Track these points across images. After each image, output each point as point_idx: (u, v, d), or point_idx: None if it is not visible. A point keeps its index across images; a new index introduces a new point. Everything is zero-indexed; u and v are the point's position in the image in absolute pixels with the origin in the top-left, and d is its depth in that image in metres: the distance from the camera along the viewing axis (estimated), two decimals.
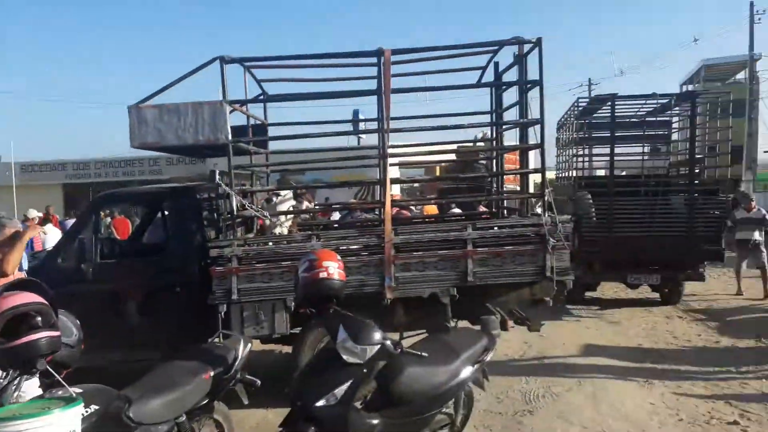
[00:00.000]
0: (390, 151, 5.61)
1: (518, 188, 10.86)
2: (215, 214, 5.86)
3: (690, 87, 37.65)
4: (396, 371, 3.45)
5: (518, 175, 10.81)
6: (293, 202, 6.88)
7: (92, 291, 5.05)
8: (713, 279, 10.74)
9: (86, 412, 2.53)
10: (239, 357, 3.57)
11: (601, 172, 11.63)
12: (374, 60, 5.62)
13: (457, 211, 8.70)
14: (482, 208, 7.85)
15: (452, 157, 8.38)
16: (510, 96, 6.60)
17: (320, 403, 3.14)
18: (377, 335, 3.28)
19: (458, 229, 5.36)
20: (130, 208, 5.94)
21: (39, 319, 2.48)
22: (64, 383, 2.57)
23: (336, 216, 9.87)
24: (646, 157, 10.02)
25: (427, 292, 5.22)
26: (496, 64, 6.63)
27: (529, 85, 5.99)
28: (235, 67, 5.83)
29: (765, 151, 32.95)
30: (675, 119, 11.01)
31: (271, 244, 5.42)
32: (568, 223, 5.38)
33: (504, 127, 6.75)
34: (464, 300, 5.27)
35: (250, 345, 3.77)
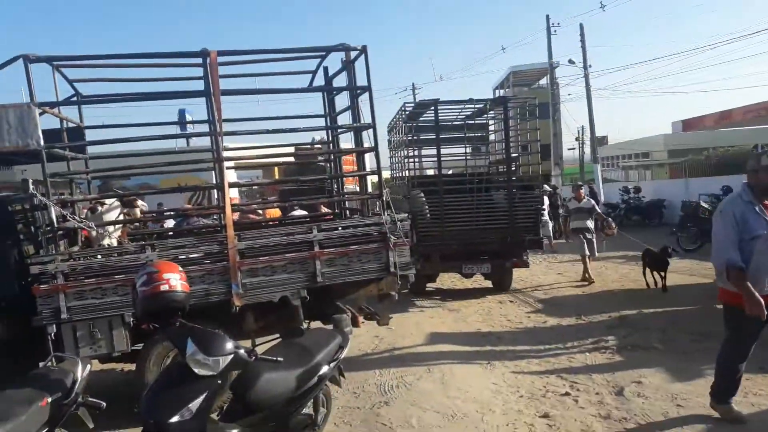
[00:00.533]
0: (226, 154, 5.48)
1: (357, 189, 11.20)
2: (31, 228, 5.27)
3: (501, 91, 41.55)
4: (251, 379, 3.37)
5: (357, 177, 11.18)
6: (120, 210, 6.42)
7: None
8: (535, 265, 11.94)
9: None
10: (78, 379, 3.27)
11: (431, 172, 12.37)
12: (200, 61, 5.46)
13: (299, 212, 8.73)
14: (324, 209, 7.96)
15: (291, 159, 8.37)
16: (342, 99, 6.82)
17: (175, 419, 2.97)
18: (229, 345, 3.19)
19: (304, 231, 5.38)
20: None
21: None
22: None
23: (170, 223, 9.39)
24: (468, 157, 10.82)
25: (278, 296, 5.17)
26: (326, 69, 6.72)
27: (358, 91, 6.20)
28: (45, 67, 5.32)
29: (569, 149, 37.37)
30: (491, 122, 12.07)
31: (100, 257, 5.01)
32: (405, 220, 5.65)
33: (339, 130, 6.90)
34: (315, 301, 5.30)
35: (89, 366, 3.48)
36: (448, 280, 10.96)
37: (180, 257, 5.01)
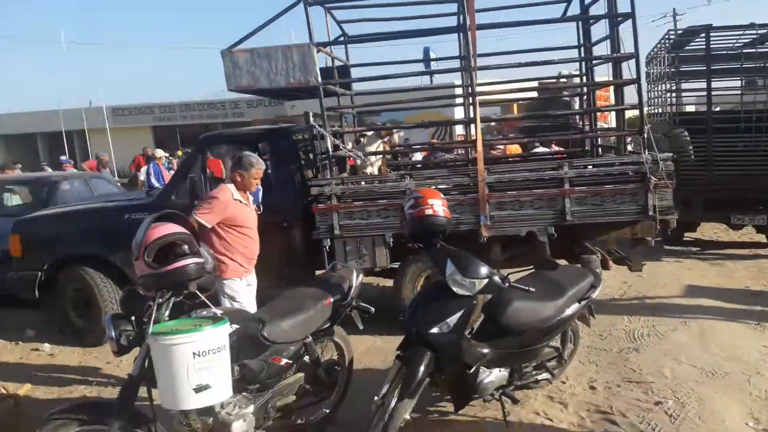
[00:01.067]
0: (478, 89, 5.55)
1: (607, 126, 10.49)
2: (310, 155, 6.03)
3: None
4: (503, 304, 3.51)
5: (608, 113, 10.43)
6: (381, 142, 6.97)
7: None
8: None
9: (230, 330, 2.75)
10: (353, 286, 3.75)
11: (691, 108, 10.94)
12: None
13: (541, 149, 8.55)
14: (556, 147, 7.65)
15: (536, 94, 8.16)
16: (597, 29, 6.37)
17: (434, 330, 3.27)
18: (484, 269, 3.34)
19: (554, 168, 5.28)
20: (231, 148, 6.25)
21: (185, 247, 2.70)
22: (209, 304, 2.82)
23: (417, 156, 9.94)
24: (744, 92, 9.30)
25: (524, 231, 5.23)
26: None
27: (619, 18, 5.71)
28: (315, 9, 5.86)
29: None
30: None
31: (365, 183, 5.56)
32: (668, 160, 5.20)
33: (594, 62, 6.48)
34: (562, 239, 5.24)
35: (361, 275, 3.95)
36: (709, 230, 9.84)
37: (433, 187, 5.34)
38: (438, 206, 3.45)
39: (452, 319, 3.30)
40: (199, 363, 2.49)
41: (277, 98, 6.97)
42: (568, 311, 3.79)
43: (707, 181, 8.01)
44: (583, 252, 5.37)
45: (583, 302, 3.92)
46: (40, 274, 5.64)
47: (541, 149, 8.67)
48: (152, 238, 2.62)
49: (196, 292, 2.74)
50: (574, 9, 6.49)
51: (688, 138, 8.13)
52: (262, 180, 4.24)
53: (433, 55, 17.36)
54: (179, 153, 19.79)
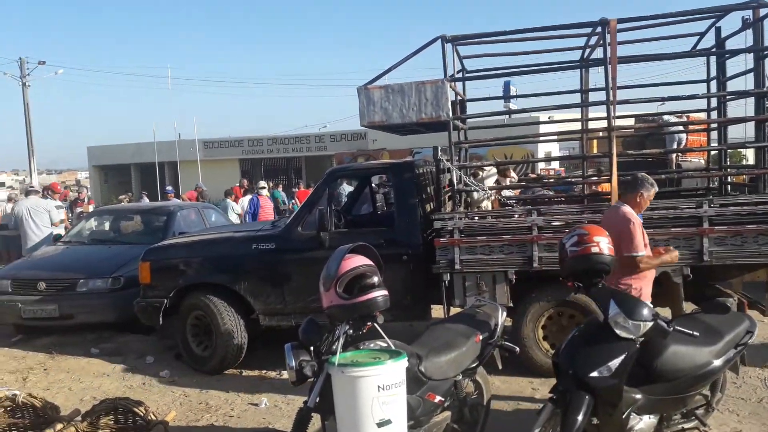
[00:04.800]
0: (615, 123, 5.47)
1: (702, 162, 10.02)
2: (429, 188, 6.09)
3: None
4: (660, 348, 3.39)
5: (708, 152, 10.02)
6: (496, 177, 6.97)
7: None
8: None
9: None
10: (499, 323, 3.72)
11: None
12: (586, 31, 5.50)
13: None
14: (603, 188, 7.35)
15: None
16: (732, 64, 6.19)
17: (594, 374, 3.18)
18: (649, 312, 3.25)
19: (693, 206, 5.09)
20: (358, 179, 6.49)
21: (375, 279, 2.78)
22: (386, 338, 2.86)
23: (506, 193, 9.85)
24: None
25: (658, 271, 5.05)
26: (718, 29, 6.16)
27: (765, 52, 5.52)
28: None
29: None
30: None
31: (490, 218, 5.54)
32: None
33: (733, 98, 6.26)
34: (694, 281, 5.03)
35: (505, 313, 3.91)
36: None
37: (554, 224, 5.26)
38: (604, 244, 3.38)
39: (614, 363, 3.20)
40: (383, 397, 2.53)
41: (399, 133, 7.09)
42: (724, 357, 3.61)
43: None
44: (716, 294, 5.12)
45: (738, 348, 3.73)
46: (166, 301, 5.89)
47: None
48: (346, 269, 2.70)
49: (377, 324, 2.79)
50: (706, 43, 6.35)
51: None
52: (386, 212, 4.30)
53: (514, 90, 17.34)
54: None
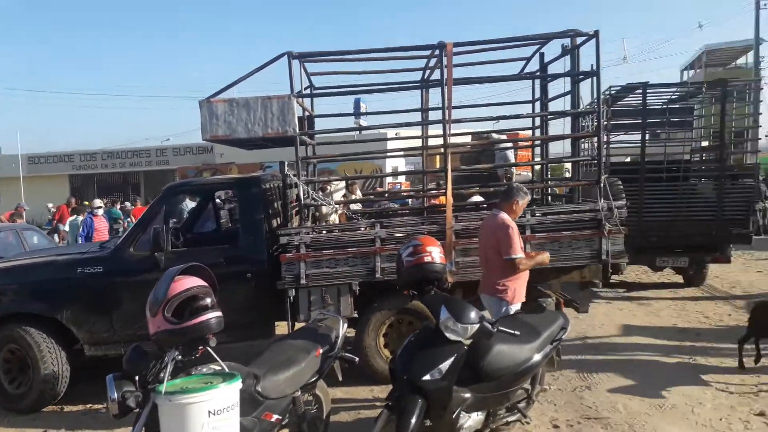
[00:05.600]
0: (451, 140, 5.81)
1: (530, 176, 11.08)
2: (276, 204, 6.04)
3: (691, 72, 38.07)
4: (486, 348, 3.65)
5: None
6: (344, 192, 7.10)
7: None
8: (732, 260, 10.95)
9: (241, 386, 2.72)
10: (340, 335, 3.78)
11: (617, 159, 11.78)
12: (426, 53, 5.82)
13: (477, 199, 8.89)
14: (478, 198, 8.03)
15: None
16: (554, 85, 6.88)
17: (426, 377, 3.36)
18: (476, 315, 3.48)
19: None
20: (199, 196, 6.25)
21: (208, 300, 2.67)
22: (219, 360, 2.77)
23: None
24: (668, 144, 10.19)
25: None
26: (542, 55, 6.82)
27: (581, 76, 6.20)
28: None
29: (766, 135, 33.32)
30: (697, 106, 11.14)
31: (336, 231, 5.62)
32: (622, 208, 5.60)
33: (555, 117, 6.95)
34: None
35: (346, 324, 3.97)
36: (632, 272, 10.51)
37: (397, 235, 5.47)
38: (436, 254, 3.59)
39: (444, 366, 3.40)
40: (213, 422, 2.47)
41: (244, 147, 6.93)
42: (542, 353, 3.98)
43: (637, 226, 8.61)
44: (538, 295, 5.61)
45: (554, 344, 4.13)
46: None
47: (478, 198, 9.03)
48: (175, 292, 2.58)
49: (210, 349, 2.70)
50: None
51: (622, 186, 8.73)
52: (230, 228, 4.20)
53: (364, 107, 17.76)
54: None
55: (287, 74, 5.53)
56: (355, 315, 5.58)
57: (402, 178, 20.46)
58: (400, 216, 7.13)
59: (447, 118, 5.65)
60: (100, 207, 11.02)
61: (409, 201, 9.64)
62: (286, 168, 5.50)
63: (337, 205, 6.35)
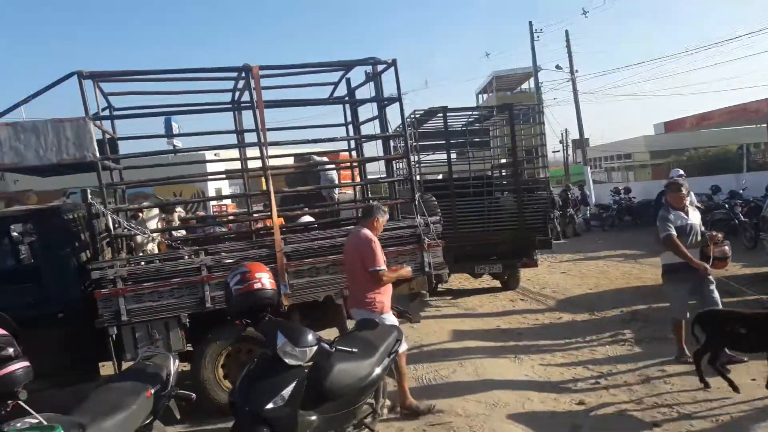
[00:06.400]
0: (268, 162, 5.75)
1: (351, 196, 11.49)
2: (82, 235, 5.51)
3: (484, 96, 42.39)
4: (327, 369, 3.64)
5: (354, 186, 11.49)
6: (159, 217, 6.68)
7: None
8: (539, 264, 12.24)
9: None
10: (171, 373, 3.52)
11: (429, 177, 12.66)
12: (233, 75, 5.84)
13: (307, 219, 8.97)
14: (307, 218, 8.22)
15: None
16: (363, 110, 7.19)
17: (269, 406, 3.25)
18: (312, 336, 3.47)
19: (344, 235, 5.66)
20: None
21: (11, 350, 2.33)
22: (34, 413, 2.43)
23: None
24: (471, 161, 11.15)
25: (322, 296, 5.45)
26: (348, 80, 7.08)
27: (386, 102, 6.55)
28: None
29: (554, 151, 38.12)
30: (491, 127, 12.42)
31: (157, 261, 5.26)
32: (437, 223, 5.99)
33: (366, 140, 7.22)
34: None
35: (177, 361, 3.72)
36: (456, 281, 11.28)
37: (225, 261, 5.27)
38: (266, 279, 3.50)
39: (286, 392, 3.32)
40: None
41: (38, 175, 6.19)
42: (382, 366, 4.06)
43: (454, 237, 9.27)
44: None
45: (392, 356, 4.25)
46: None
47: (308, 219, 9.10)
48: None
49: (22, 402, 2.35)
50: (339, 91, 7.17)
51: (436, 202, 9.36)
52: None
53: (176, 127, 17.05)
54: None
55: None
56: (189, 348, 5.28)
57: (228, 201, 19.80)
58: (226, 241, 6.90)
59: (263, 140, 5.60)
60: None
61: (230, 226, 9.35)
62: (89, 196, 5.03)
63: (153, 233, 5.91)
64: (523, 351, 6.54)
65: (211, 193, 21.44)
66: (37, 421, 2.48)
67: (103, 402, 3.10)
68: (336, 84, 7.04)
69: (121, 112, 6.46)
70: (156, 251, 6.37)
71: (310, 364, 3.55)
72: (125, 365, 4.86)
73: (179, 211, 7.11)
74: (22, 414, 2.50)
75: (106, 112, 6.37)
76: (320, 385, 3.62)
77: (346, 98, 7.09)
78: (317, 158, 9.72)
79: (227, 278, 3.58)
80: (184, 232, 8.55)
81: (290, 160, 10.58)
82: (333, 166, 9.73)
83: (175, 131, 16.89)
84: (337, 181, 10.92)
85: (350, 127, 7.30)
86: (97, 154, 5.06)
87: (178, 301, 5.07)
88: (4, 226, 6.02)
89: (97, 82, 5.90)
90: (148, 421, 3.27)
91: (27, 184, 22.72)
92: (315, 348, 3.43)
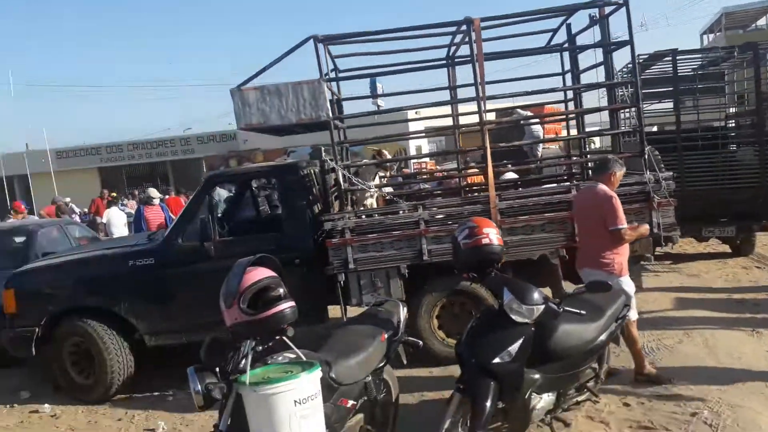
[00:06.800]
0: (487, 117, 5.71)
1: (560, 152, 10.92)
2: (315, 189, 6.02)
3: (711, 36, 37.26)
4: (552, 329, 3.59)
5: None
6: (375, 173, 7.07)
7: (217, 268, 5.24)
8: None
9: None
10: (401, 320, 3.74)
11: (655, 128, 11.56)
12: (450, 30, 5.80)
13: (511, 176, 8.78)
14: (511, 175, 7.92)
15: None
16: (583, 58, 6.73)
17: (496, 360, 3.32)
18: (539, 295, 3.43)
19: (562, 191, 5.46)
20: (239, 185, 6.32)
21: (281, 291, 2.66)
22: (295, 349, 2.77)
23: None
24: (701, 111, 9.94)
25: (537, 254, 5.36)
26: (569, 26, 6.66)
27: (613, 47, 6.05)
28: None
29: None
30: (727, 71, 10.83)
31: (378, 215, 5.59)
32: (670, 179, 5.47)
33: (588, 89, 6.80)
34: (571, 261, 5.40)
35: (406, 308, 3.94)
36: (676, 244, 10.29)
37: (437, 216, 5.42)
38: (493, 235, 3.52)
39: (513, 348, 3.35)
40: (300, 411, 2.46)
41: (276, 134, 6.89)
42: (608, 332, 3.91)
43: (681, 196, 8.41)
44: None
45: (619, 321, 4.06)
46: (37, 330, 5.34)
47: (512, 175, 8.92)
48: (248, 283, 2.57)
49: (286, 338, 2.69)
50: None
51: (660, 156, 8.55)
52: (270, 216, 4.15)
53: (380, 88, 17.60)
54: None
55: (308, 59, 5.45)
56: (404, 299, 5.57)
57: (426, 159, 20.31)
58: (435, 197, 7.06)
59: (481, 94, 5.53)
60: (155, 198, 10.58)
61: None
62: (323, 153, 5.46)
63: (376, 189, 6.28)
64: (762, 324, 5.81)
65: (412, 151, 22.11)
66: (294, 356, 2.82)
67: (343, 342, 3.40)
68: (555, 30, 6.68)
69: (346, 74, 6.81)
70: (375, 205, 6.78)
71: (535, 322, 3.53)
72: (350, 310, 5.32)
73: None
74: (282, 349, 2.86)
75: (333, 75, 6.79)
76: (544, 344, 3.59)
77: (567, 45, 6.68)
78: (522, 112, 9.46)
79: (455, 232, 3.67)
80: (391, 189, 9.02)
81: (492, 116, 10.45)
82: (537, 120, 9.41)
83: (379, 91, 17.47)
84: (542, 136, 10.60)
85: (568, 77, 6.91)
86: (330, 114, 5.45)
87: (398, 252, 5.33)
88: (249, 181, 6.86)
89: (326, 45, 6.32)
90: (381, 364, 3.52)
91: (254, 144, 25.75)
92: (542, 307, 3.40)
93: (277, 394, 2.44)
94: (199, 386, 2.58)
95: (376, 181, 7.23)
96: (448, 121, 7.41)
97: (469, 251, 3.52)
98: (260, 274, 2.66)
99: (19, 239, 7.44)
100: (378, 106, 17.82)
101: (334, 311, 5.62)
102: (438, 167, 15.69)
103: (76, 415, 5.20)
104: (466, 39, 5.61)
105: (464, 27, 5.62)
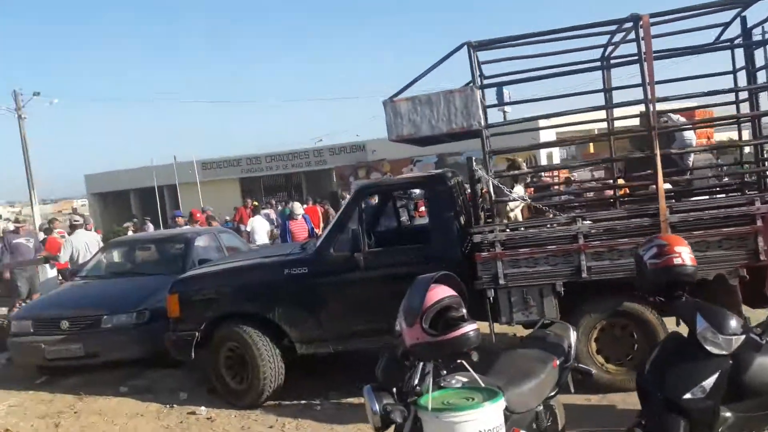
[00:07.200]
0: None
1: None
2: (460, 200, 5.88)
3: None
4: (746, 361, 3.17)
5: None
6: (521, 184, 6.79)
7: (367, 278, 5.29)
8: None
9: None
10: (572, 344, 3.48)
11: None
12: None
13: (667, 186, 8.03)
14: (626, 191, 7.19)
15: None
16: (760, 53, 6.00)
17: (687, 396, 2.98)
18: (737, 323, 3.04)
19: (744, 203, 4.89)
20: (389, 195, 6.38)
21: (463, 311, 2.55)
22: (474, 375, 2.63)
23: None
24: None
25: (712, 274, 4.83)
26: (744, 18, 5.99)
27: None
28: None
29: None
30: None
31: (532, 228, 5.33)
32: None
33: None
34: (751, 282, 4.81)
35: (576, 332, 3.67)
36: None
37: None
38: (686, 254, 3.17)
39: (707, 383, 2.99)
40: None
41: (423, 144, 6.85)
42: None
43: None
44: None
45: None
46: (197, 334, 5.63)
47: (665, 186, 8.18)
48: (431, 302, 2.48)
49: (465, 363, 2.56)
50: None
51: None
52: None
53: (507, 95, 17.01)
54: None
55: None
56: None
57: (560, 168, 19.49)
58: (580, 207, 6.63)
59: (650, 96, 5.09)
60: (299, 214, 10.92)
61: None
62: (474, 163, 5.30)
63: (526, 199, 6.01)
64: None
65: (543, 160, 21.29)
66: (467, 379, 2.67)
67: (514, 367, 3.19)
68: (727, 24, 6.05)
69: (497, 80, 6.60)
70: (519, 217, 6.50)
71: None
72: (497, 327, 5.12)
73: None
74: (455, 371, 2.71)
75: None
76: (738, 378, 3.17)
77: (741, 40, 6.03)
78: (674, 116, 8.69)
79: (639, 251, 3.36)
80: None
81: (635, 121, 9.71)
82: (690, 126, 8.59)
83: (506, 98, 16.91)
84: (694, 144, 9.69)
85: (738, 75, 6.23)
86: (482, 123, 5.29)
87: (553, 268, 5.05)
88: (392, 192, 6.82)
89: (475, 51, 6.16)
90: (553, 393, 3.28)
91: (381, 155, 26.25)
92: (742, 338, 3.00)
93: (460, 423, 2.31)
94: (377, 407, 2.51)
95: (520, 191, 6.92)
96: (581, 127, 6.96)
97: (658, 272, 3.19)
98: (442, 292, 2.56)
99: (178, 247, 8.01)
100: (504, 112, 17.44)
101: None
102: (573, 176, 14.99)
103: (230, 420, 5.40)
104: (628, 37, 5.21)
105: (627, 25, 5.23)
